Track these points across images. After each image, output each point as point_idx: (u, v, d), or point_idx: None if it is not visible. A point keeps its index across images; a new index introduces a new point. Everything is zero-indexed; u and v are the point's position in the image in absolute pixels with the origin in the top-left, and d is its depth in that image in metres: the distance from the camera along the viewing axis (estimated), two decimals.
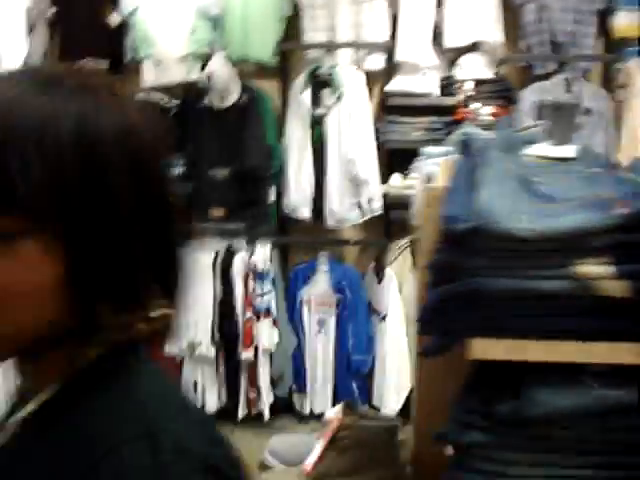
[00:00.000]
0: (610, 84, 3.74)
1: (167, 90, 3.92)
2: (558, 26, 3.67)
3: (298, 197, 3.75)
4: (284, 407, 3.85)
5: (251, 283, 3.67)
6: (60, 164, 0.55)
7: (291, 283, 3.85)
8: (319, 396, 3.79)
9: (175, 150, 3.85)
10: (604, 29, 3.73)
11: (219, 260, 3.75)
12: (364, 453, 1.53)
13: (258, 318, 3.64)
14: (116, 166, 0.58)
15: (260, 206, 3.77)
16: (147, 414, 0.57)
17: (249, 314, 3.64)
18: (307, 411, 3.83)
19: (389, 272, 3.67)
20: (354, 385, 3.75)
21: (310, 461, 1.53)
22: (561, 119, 3.71)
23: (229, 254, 3.76)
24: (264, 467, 1.76)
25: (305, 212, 3.75)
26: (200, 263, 3.72)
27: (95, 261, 0.58)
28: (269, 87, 3.94)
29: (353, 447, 1.53)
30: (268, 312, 3.63)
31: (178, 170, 3.84)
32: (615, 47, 3.72)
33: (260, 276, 3.67)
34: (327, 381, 3.80)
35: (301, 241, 3.97)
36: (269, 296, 3.65)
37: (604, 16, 3.71)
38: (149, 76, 3.89)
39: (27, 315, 0.57)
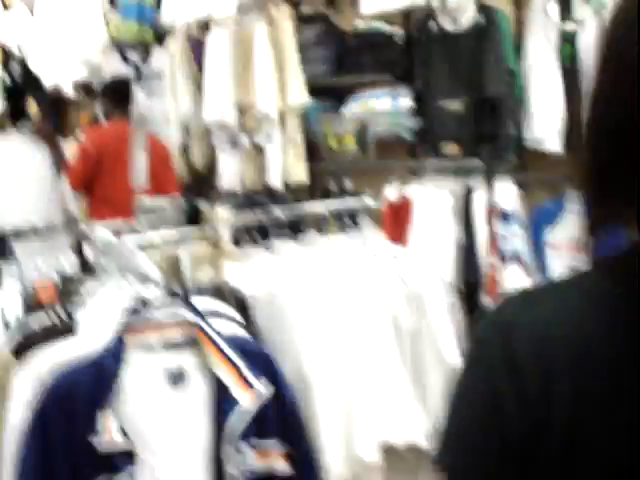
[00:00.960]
0: None
1: (387, 19, 3.60)
2: None
3: (546, 127, 3.33)
4: None
5: (496, 225, 3.32)
6: None
7: (533, 225, 3.46)
8: None
9: (403, 82, 3.56)
10: None
11: (457, 200, 3.43)
12: None
13: (503, 262, 3.30)
14: None
15: (499, 139, 3.39)
16: None
17: (494, 259, 3.30)
18: None
19: None
20: None
21: None
22: None
23: (467, 193, 3.43)
24: None
25: (555, 144, 3.33)
26: (436, 204, 3.43)
27: None
28: (499, 4, 3.50)
29: None
30: (516, 257, 3.28)
31: (406, 103, 3.54)
32: None
33: (505, 217, 3.31)
34: None
35: (550, 178, 3.54)
36: (518, 239, 3.29)
37: None
38: (369, 3, 3.58)
39: None
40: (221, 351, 1.18)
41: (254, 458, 1.21)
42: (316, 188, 3.95)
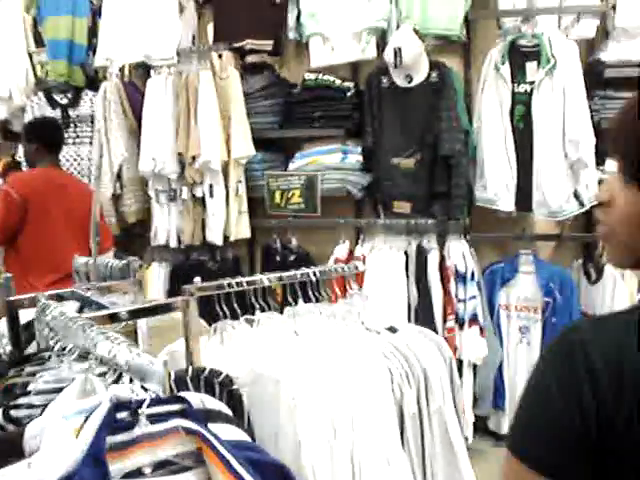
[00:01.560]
0: None
1: (334, 71, 3.49)
2: None
3: (498, 187, 3.28)
4: (479, 428, 3.38)
5: (452, 287, 3.20)
6: None
7: (486, 285, 3.37)
8: None
9: (354, 137, 3.44)
10: None
11: (411, 260, 3.30)
12: None
13: (461, 326, 3.18)
14: None
15: (452, 198, 3.31)
16: None
17: (451, 322, 3.18)
18: (504, 432, 3.36)
19: (610, 270, 3.18)
20: None
21: None
22: None
23: (421, 253, 3.31)
24: None
25: (507, 204, 3.27)
26: (388, 263, 3.29)
27: None
28: (450, 62, 3.47)
29: None
30: (474, 320, 3.16)
31: (357, 159, 3.42)
32: None
33: (462, 278, 3.20)
34: None
35: (503, 236, 3.48)
36: (474, 301, 3.18)
37: None
38: (317, 56, 3.47)
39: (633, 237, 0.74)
40: (231, 470, 0.90)
41: None
42: (257, 244, 3.73)
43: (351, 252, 3.44)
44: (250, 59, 3.55)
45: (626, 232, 0.75)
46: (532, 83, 3.22)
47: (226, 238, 3.47)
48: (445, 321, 3.20)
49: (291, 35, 3.56)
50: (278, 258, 3.51)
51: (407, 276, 3.27)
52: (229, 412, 1.10)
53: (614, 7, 3.17)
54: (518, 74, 3.26)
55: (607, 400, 0.66)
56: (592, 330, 0.71)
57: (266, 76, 3.51)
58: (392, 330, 1.69)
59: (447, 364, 1.61)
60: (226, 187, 3.42)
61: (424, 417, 1.53)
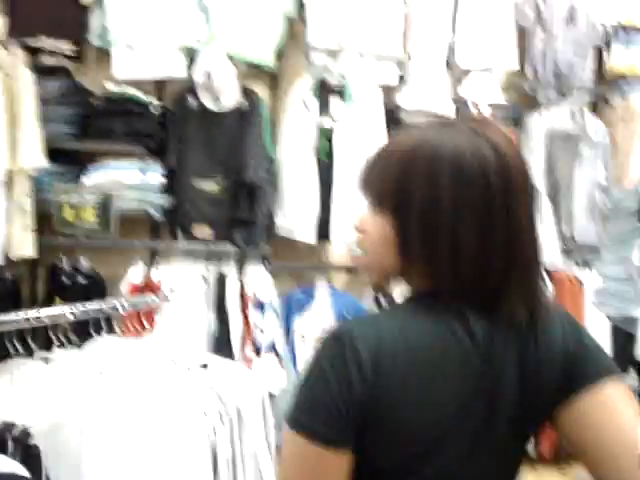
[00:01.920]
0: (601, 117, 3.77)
1: (138, 84, 3.33)
2: (560, 56, 3.65)
3: (299, 217, 3.33)
4: None
5: (251, 315, 3.17)
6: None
7: (283, 313, 3.39)
8: None
9: (155, 155, 3.29)
10: (598, 63, 3.77)
11: (209, 286, 3.21)
12: None
13: (258, 355, 3.16)
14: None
15: (253, 225, 3.30)
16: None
17: (249, 350, 3.14)
18: None
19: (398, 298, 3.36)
20: None
21: None
22: (568, 149, 3.68)
23: (221, 279, 3.24)
24: None
25: (307, 235, 3.33)
26: (186, 289, 3.17)
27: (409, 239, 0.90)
28: (258, 89, 3.48)
29: None
30: (272, 348, 3.16)
31: (157, 179, 3.27)
32: (608, 82, 3.77)
33: (261, 306, 3.19)
34: None
35: (301, 266, 3.52)
36: (273, 329, 3.17)
37: (600, 51, 3.75)
38: (122, 67, 3.28)
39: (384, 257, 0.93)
40: None
41: None
42: (42, 264, 3.40)
43: (147, 277, 3.27)
44: (46, 60, 3.25)
45: (378, 253, 0.92)
46: (336, 119, 3.33)
47: (8, 260, 3.11)
48: (243, 349, 3.15)
49: (95, 41, 3.33)
50: (66, 280, 3.22)
51: (206, 303, 3.18)
52: (25, 474, 0.95)
53: (409, 56, 3.42)
54: (323, 109, 3.35)
55: (369, 380, 0.82)
56: (357, 325, 0.87)
57: (63, 82, 3.23)
58: (203, 366, 1.60)
59: (261, 402, 1.55)
60: (10, 199, 3.06)
61: (238, 462, 1.46)
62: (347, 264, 3.55)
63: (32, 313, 1.34)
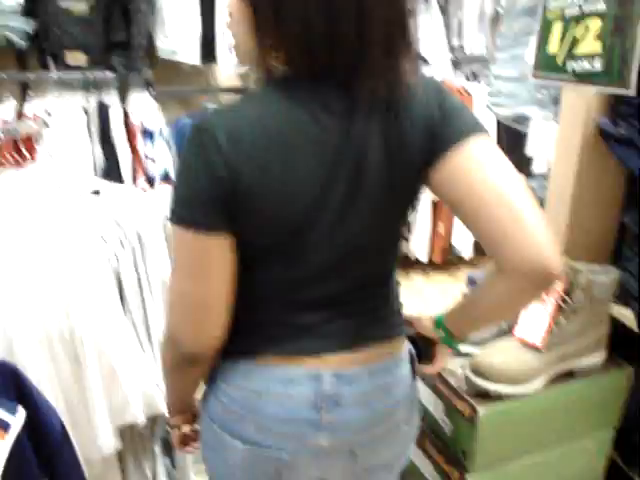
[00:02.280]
0: None
1: None
2: None
3: (180, 37, 3.09)
4: None
5: (140, 144, 3.01)
6: None
7: (174, 140, 3.24)
8: None
9: None
10: None
11: (92, 118, 3.00)
12: (594, 310, 1.34)
13: (152, 186, 3.05)
14: None
15: (132, 49, 3.03)
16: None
17: (141, 182, 3.02)
18: None
19: None
20: None
21: (539, 332, 1.29)
22: None
23: (102, 110, 3.02)
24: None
25: (191, 56, 3.12)
26: (67, 122, 2.94)
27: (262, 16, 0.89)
28: None
29: (584, 307, 1.32)
30: (166, 178, 3.05)
31: (15, 1, 2.88)
32: None
33: (150, 135, 3.03)
34: None
35: (191, 90, 3.33)
36: (164, 159, 3.05)
37: None
38: None
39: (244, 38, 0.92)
40: None
41: None
42: None
43: (19, 112, 2.99)
44: None
45: (240, 34, 0.93)
46: None
47: None
48: (135, 182, 3.03)
49: None
50: None
51: (89, 136, 2.98)
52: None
53: None
54: None
55: (231, 163, 0.86)
56: (216, 115, 0.91)
57: None
58: (95, 192, 1.50)
59: (162, 226, 1.49)
60: None
61: (144, 286, 1.42)
62: (236, 85, 3.39)
63: None
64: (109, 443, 1.31)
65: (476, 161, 0.91)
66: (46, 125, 1.68)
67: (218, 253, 0.91)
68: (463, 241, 3.87)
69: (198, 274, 0.92)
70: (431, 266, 3.96)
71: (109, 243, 1.34)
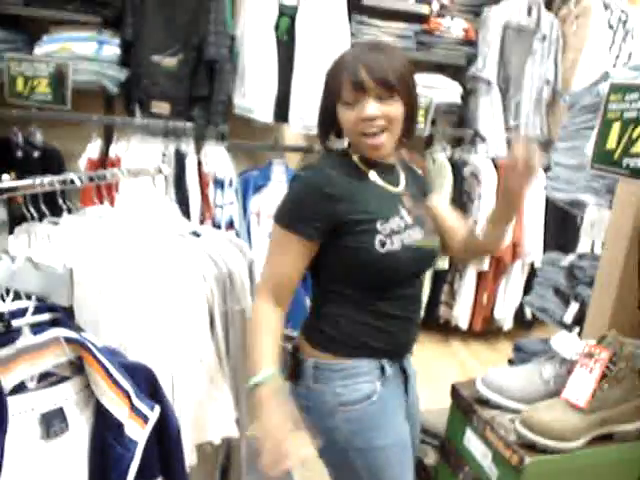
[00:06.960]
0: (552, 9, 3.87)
1: None
2: None
3: (257, 97, 3.35)
4: None
5: (211, 192, 3.25)
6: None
7: (241, 192, 3.47)
8: None
9: (112, 27, 3.20)
10: None
11: (170, 164, 3.24)
12: (635, 380, 1.48)
13: None
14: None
15: (212, 103, 3.30)
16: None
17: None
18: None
19: None
20: None
21: (584, 395, 1.43)
22: (521, 43, 3.77)
23: (179, 157, 3.27)
24: (480, 401, 1.60)
25: (265, 114, 3.38)
26: (145, 166, 3.18)
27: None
28: None
29: (626, 377, 1.46)
30: (230, 225, 3.27)
31: (114, 52, 3.19)
32: None
33: (220, 184, 3.26)
34: None
35: (256, 146, 3.58)
36: (231, 207, 3.27)
37: None
38: None
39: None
40: (109, 375, 0.88)
41: None
42: None
43: (103, 152, 3.27)
44: None
45: (398, 131, 1.45)
46: None
47: None
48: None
49: None
50: (20, 153, 3.18)
51: (165, 180, 3.22)
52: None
53: None
54: None
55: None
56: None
57: None
58: (195, 234, 1.70)
59: (248, 267, 1.68)
60: None
61: (229, 317, 1.60)
62: (300, 145, 3.63)
63: (54, 177, 1.38)
64: (188, 458, 1.47)
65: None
66: (131, 174, 1.88)
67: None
68: (504, 313, 3.98)
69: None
70: (470, 334, 4.07)
71: (207, 281, 1.53)
